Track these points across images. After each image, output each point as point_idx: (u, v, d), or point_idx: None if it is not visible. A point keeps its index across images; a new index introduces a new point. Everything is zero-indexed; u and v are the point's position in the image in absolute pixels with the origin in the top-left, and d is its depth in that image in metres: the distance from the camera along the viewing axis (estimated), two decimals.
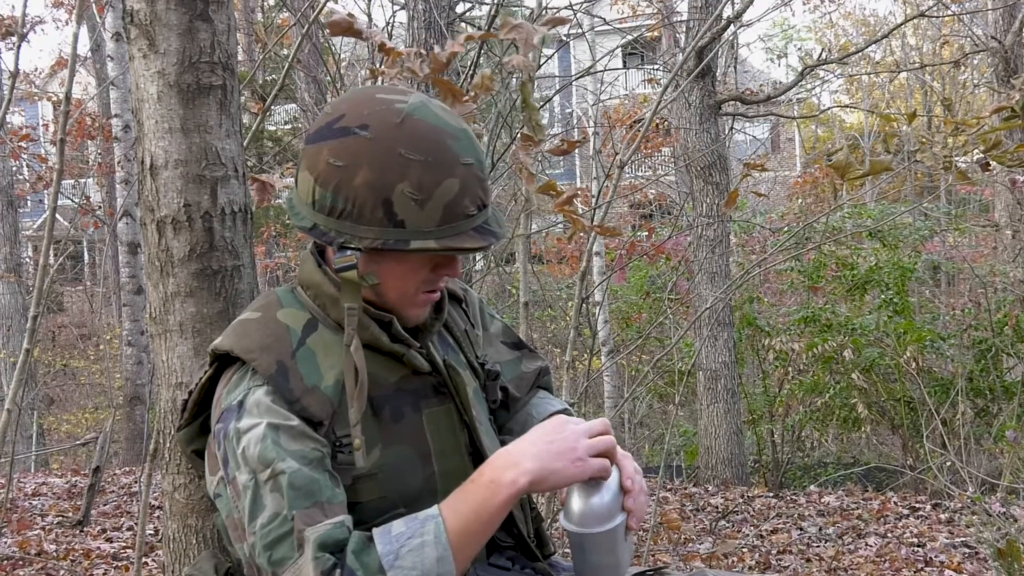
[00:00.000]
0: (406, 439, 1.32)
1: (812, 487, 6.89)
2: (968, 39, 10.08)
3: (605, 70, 7.41)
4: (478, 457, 1.39)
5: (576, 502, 1.25)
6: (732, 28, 6.93)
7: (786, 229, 8.02)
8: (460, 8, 4.94)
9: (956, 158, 2.25)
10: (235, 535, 1.26)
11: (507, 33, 1.66)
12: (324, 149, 1.25)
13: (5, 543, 4.57)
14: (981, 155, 2.14)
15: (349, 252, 1.25)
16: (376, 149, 1.22)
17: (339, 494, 1.22)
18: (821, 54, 9.07)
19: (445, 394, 1.38)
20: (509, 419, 1.56)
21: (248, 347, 1.27)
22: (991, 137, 2.11)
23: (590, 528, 1.25)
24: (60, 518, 5.34)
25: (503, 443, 1.50)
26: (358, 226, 1.24)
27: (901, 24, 6.71)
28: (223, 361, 1.31)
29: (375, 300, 1.32)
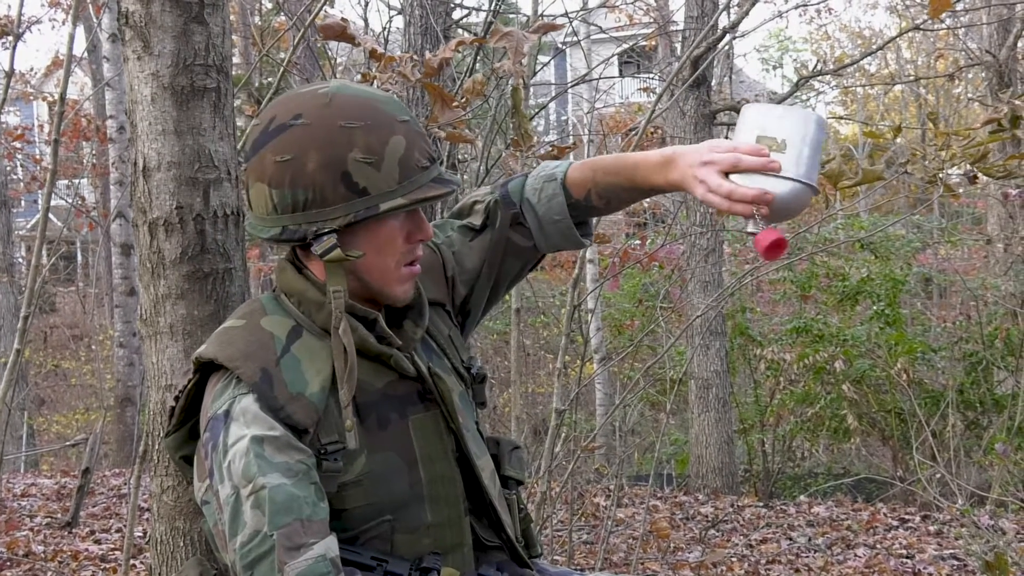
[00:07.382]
0: (392, 446, 1.32)
1: (802, 497, 6.89)
2: (963, 53, 10.13)
3: (601, 78, 7.41)
4: (464, 463, 1.39)
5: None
6: (728, 38, 6.95)
7: None
8: (457, 14, 4.94)
9: (946, 171, 2.26)
10: (221, 543, 1.25)
11: (498, 40, 1.67)
12: (267, 153, 1.26)
13: None
14: (969, 167, 2.15)
15: (325, 237, 1.25)
16: (317, 130, 1.24)
17: (321, 510, 1.21)
18: (816, 65, 9.10)
19: (431, 400, 1.38)
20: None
21: (231, 355, 1.27)
22: (978, 149, 2.12)
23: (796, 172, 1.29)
24: (49, 519, 5.32)
25: (494, 446, 1.50)
26: (325, 209, 1.25)
27: (896, 37, 6.73)
28: (207, 369, 1.31)
29: (360, 290, 1.32)
